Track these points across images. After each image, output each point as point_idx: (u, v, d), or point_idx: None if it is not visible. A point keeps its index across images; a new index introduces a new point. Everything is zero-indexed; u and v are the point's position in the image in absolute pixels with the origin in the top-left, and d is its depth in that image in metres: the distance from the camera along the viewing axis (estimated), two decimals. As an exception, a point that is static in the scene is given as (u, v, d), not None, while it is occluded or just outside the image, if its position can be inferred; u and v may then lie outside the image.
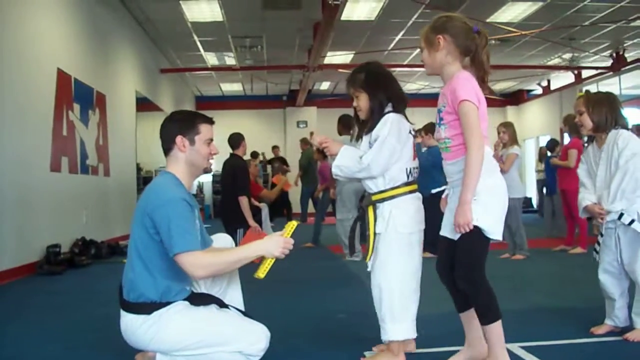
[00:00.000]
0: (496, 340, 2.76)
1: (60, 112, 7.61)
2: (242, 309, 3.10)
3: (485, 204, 2.73)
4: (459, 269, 2.80)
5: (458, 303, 2.97)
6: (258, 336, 2.83)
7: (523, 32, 11.61)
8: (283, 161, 16.14)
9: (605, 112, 3.55)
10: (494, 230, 2.76)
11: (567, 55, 14.49)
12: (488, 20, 11.17)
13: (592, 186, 3.63)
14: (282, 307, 4.61)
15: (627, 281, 3.54)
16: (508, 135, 7.41)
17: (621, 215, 3.41)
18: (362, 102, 3.08)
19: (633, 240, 3.41)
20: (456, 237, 2.79)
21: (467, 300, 2.88)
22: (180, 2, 10.34)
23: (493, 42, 12.94)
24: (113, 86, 10.11)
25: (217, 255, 2.83)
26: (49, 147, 7.27)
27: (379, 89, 3.07)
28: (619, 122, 3.54)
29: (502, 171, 7.34)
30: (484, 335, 2.82)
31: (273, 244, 2.83)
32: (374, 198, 3.07)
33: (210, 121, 3.04)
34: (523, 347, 3.24)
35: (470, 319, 2.93)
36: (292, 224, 2.91)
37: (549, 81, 18.23)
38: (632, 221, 3.38)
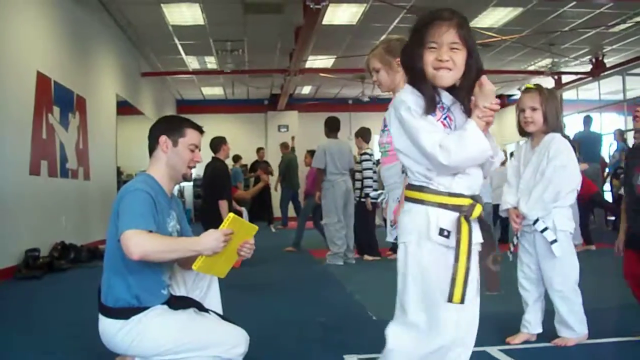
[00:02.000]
0: None
1: (40, 116, 7.54)
2: (221, 312, 3.08)
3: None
4: None
5: None
6: (237, 340, 2.82)
7: (503, 37, 11.71)
8: (267, 164, 15.97)
9: (556, 110, 3.38)
10: None
11: (547, 61, 14.61)
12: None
13: (516, 186, 3.51)
14: (262, 311, 4.60)
15: (543, 287, 3.48)
16: None
17: (536, 221, 3.35)
18: (461, 59, 2.09)
19: (549, 251, 3.34)
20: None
21: None
22: (162, 5, 10.28)
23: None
24: (93, 89, 10.04)
25: (158, 237, 2.68)
26: (28, 150, 7.19)
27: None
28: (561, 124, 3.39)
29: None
30: None
31: (213, 243, 2.66)
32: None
33: (198, 128, 2.99)
34: (502, 350, 3.26)
35: None
36: (230, 216, 2.74)
37: (529, 86, 18.34)
38: (545, 229, 3.32)
